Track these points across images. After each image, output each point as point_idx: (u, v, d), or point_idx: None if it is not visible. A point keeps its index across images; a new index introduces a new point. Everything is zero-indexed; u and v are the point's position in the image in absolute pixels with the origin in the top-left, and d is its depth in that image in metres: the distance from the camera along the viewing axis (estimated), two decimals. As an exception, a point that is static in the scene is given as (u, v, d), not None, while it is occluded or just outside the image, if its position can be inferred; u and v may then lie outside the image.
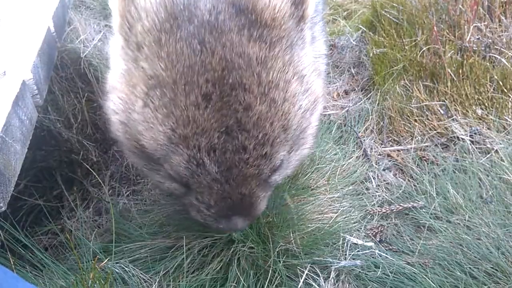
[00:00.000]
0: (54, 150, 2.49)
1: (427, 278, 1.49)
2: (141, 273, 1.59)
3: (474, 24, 2.29)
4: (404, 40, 2.61)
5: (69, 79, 2.73)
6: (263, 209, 1.33)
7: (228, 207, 1.21)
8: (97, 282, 1.27)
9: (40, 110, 1.62)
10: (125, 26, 1.16)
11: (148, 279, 1.58)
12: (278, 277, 1.54)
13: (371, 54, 2.80)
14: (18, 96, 1.26)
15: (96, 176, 2.19)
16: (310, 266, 1.58)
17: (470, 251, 1.58)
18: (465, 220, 1.71)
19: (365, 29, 3.07)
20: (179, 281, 1.55)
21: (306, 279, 1.53)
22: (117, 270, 1.59)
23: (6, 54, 1.48)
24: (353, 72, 3.01)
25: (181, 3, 1.14)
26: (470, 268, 1.51)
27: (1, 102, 1.20)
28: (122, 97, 1.19)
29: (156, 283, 1.53)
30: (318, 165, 2.04)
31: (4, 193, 1.03)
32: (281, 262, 1.56)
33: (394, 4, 2.85)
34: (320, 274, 1.54)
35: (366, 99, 2.64)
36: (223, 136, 1.11)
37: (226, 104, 1.09)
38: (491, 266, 1.50)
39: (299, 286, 1.51)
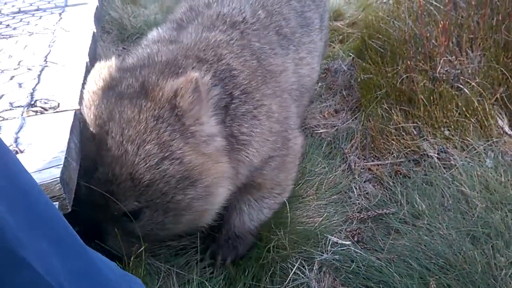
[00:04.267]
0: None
1: (391, 270, 1.85)
2: (161, 265, 1.97)
3: (445, 57, 2.67)
4: (387, 68, 2.99)
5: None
6: (116, 248, 1.54)
7: (85, 223, 1.49)
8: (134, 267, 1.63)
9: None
10: (85, 89, 1.70)
11: (167, 269, 1.95)
12: (272, 268, 1.91)
13: (359, 80, 3.19)
14: (73, 124, 1.65)
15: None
16: (299, 259, 1.95)
17: (428, 249, 1.94)
18: (427, 224, 2.07)
19: (354, 56, 3.46)
20: (193, 273, 1.91)
21: (294, 270, 1.90)
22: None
23: (60, 90, 1.88)
24: (344, 94, 3.39)
25: (117, 78, 1.62)
26: (426, 262, 1.87)
27: (63, 130, 1.59)
28: None
29: (174, 273, 1.89)
30: (308, 177, 2.41)
31: (70, 198, 1.41)
32: (275, 256, 1.94)
33: (380, 36, 3.23)
34: (306, 266, 1.91)
35: (354, 119, 3.02)
36: (93, 165, 1.46)
37: (100, 143, 1.46)
38: (443, 261, 1.86)
39: (290, 275, 1.88)
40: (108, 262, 0.96)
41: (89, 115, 1.57)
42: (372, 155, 2.67)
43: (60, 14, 2.92)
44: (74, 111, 1.74)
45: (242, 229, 2.00)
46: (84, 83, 1.98)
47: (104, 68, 1.68)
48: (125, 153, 1.42)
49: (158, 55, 1.72)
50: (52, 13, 2.94)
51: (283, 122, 1.88)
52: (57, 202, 1.33)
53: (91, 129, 1.52)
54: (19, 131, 1.61)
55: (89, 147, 1.51)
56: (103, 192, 1.43)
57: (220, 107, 1.63)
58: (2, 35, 2.60)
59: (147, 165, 1.42)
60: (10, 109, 1.77)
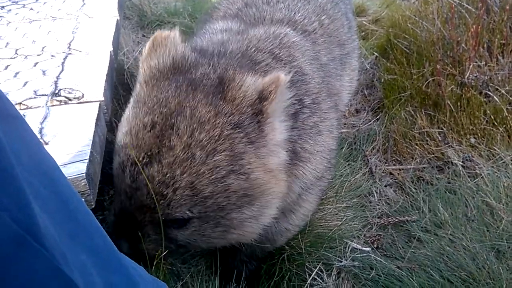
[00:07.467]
0: (98, 150, 2.85)
1: (412, 280, 1.81)
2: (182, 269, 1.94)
3: (474, 62, 2.59)
4: (412, 70, 2.92)
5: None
6: (151, 251, 1.40)
7: (120, 223, 1.36)
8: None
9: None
10: (145, 62, 1.46)
11: (186, 273, 1.92)
12: (289, 272, 1.88)
13: (382, 80, 3.12)
14: (97, 117, 1.63)
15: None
16: (318, 265, 1.91)
17: (450, 260, 1.89)
18: (449, 234, 2.02)
19: (378, 55, 3.39)
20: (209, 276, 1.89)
21: (311, 274, 1.87)
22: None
23: (84, 79, 1.85)
24: (366, 93, 3.34)
25: (191, 61, 1.44)
26: (448, 274, 1.83)
27: (87, 122, 1.57)
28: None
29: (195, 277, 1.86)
30: (329, 179, 2.37)
31: (94, 194, 1.39)
32: (292, 259, 1.91)
33: (406, 36, 3.16)
34: (324, 271, 1.88)
35: (375, 120, 2.97)
36: (146, 158, 1.27)
37: (161, 136, 1.27)
38: (466, 274, 1.82)
39: (309, 280, 1.85)
40: (138, 267, 0.94)
41: (148, 95, 1.37)
42: (393, 158, 2.62)
43: (83, -1, 2.88)
44: (98, 102, 1.71)
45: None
46: (107, 74, 1.96)
47: (172, 43, 1.46)
48: (191, 158, 1.26)
49: (229, 43, 1.58)
50: (75, -2, 2.90)
51: (336, 142, 1.78)
52: (82, 198, 1.31)
53: (150, 114, 1.32)
54: (43, 121, 1.58)
55: (143, 134, 1.30)
56: (153, 192, 1.28)
57: (289, 113, 1.47)
58: (25, 18, 2.57)
59: (212, 177, 1.28)
60: (34, 97, 1.74)
